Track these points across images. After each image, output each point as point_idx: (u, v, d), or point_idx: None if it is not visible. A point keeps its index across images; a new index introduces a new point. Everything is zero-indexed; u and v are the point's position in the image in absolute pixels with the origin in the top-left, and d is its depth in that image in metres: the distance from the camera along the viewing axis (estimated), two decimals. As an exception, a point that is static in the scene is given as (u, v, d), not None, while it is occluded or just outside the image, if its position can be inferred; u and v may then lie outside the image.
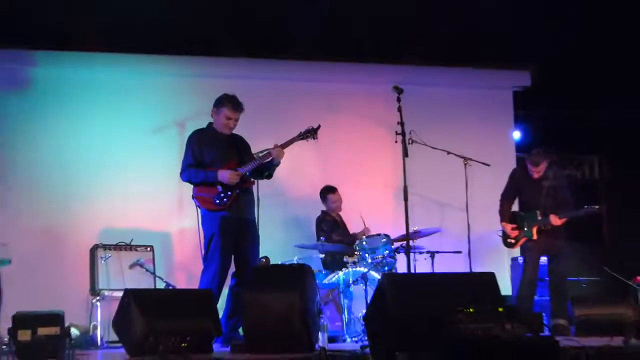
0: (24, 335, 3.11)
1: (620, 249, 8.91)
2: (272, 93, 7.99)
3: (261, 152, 5.93)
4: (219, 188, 5.66)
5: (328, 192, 7.49)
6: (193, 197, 5.82)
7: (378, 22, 7.29)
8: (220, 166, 5.71)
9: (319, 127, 6.03)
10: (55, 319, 3.25)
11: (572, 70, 8.11)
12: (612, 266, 7.46)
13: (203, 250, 5.72)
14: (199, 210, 5.80)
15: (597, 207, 6.93)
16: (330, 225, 7.31)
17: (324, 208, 7.55)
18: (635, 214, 8.96)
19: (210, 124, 5.98)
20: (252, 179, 5.87)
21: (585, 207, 6.63)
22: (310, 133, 6.02)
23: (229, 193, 5.69)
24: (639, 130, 8.42)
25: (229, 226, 5.68)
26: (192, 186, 5.83)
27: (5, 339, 3.21)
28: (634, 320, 4.25)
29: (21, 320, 3.16)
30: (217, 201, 5.67)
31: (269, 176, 6.00)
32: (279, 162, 5.85)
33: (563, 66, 8.10)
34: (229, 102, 5.85)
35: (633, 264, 7.54)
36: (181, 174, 5.85)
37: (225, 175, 5.62)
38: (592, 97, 8.53)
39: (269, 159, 5.80)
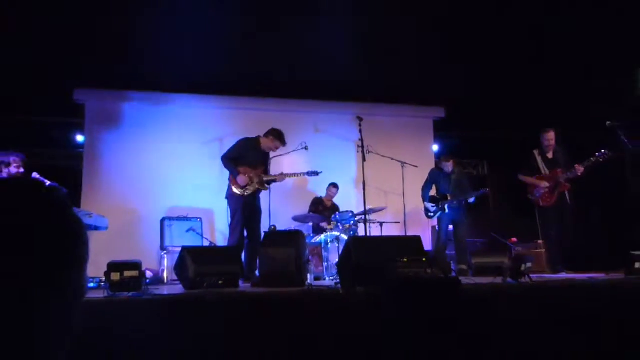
0: (115, 276, 3.05)
1: (500, 220, 8.95)
2: (276, 120, 7.85)
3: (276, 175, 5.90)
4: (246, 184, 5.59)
5: (332, 185, 7.42)
6: (229, 181, 5.70)
7: (349, 78, 7.29)
8: (251, 169, 5.63)
9: (321, 172, 6.07)
10: (136, 265, 3.19)
11: (470, 108, 8.14)
12: (496, 231, 7.48)
13: (229, 220, 5.64)
14: (228, 190, 5.67)
15: (488, 189, 6.93)
16: (315, 204, 7.26)
17: (317, 195, 7.51)
18: (509, 198, 9.01)
19: (258, 137, 5.84)
20: (266, 185, 5.81)
21: (481, 189, 6.64)
22: (313, 174, 6.09)
23: (250, 189, 5.62)
24: (510, 145, 8.46)
25: (247, 207, 5.61)
26: (227, 176, 5.73)
27: (103, 279, 3.15)
28: (509, 266, 4.24)
29: (113, 266, 3.10)
30: (242, 191, 5.60)
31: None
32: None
33: (465, 105, 8.14)
34: (283, 139, 5.80)
35: (508, 229, 7.58)
36: (223, 157, 5.70)
37: (241, 179, 5.55)
38: (484, 124, 8.56)
39: (277, 180, 5.83)
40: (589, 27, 6.01)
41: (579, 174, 5.76)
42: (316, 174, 6.04)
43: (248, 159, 5.70)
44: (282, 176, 5.86)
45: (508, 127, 8.48)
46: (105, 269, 3.11)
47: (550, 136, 6.07)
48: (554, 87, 7.33)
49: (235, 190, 5.61)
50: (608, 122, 5.44)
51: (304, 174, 6.08)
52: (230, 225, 5.62)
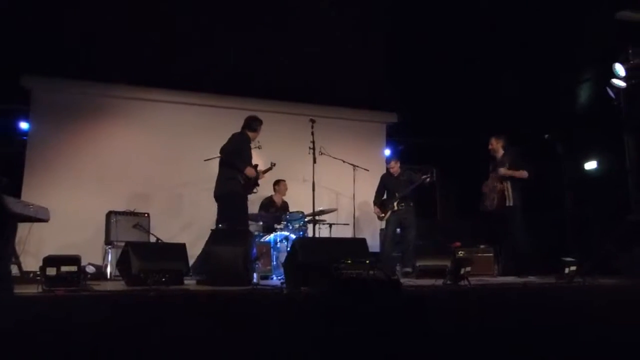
0: (51, 271, 2.94)
1: (446, 224, 9.14)
2: (230, 117, 7.75)
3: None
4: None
5: (279, 182, 7.37)
6: (230, 177, 5.61)
7: (304, 79, 7.31)
8: (250, 163, 5.72)
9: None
10: (74, 260, 3.08)
11: (421, 115, 8.31)
12: (441, 235, 7.60)
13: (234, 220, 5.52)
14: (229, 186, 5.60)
15: (428, 175, 6.74)
16: (265, 206, 7.19)
17: (270, 194, 7.44)
18: (455, 202, 9.25)
19: (246, 132, 5.87)
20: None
21: (422, 177, 6.67)
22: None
23: (256, 188, 5.87)
24: (457, 152, 8.68)
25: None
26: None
27: (38, 273, 3.03)
28: (450, 269, 4.36)
29: (49, 261, 2.99)
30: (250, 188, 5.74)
31: None
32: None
33: (416, 113, 8.30)
34: (260, 121, 5.95)
35: (452, 233, 7.74)
36: (227, 151, 5.60)
37: (250, 171, 5.63)
38: (433, 131, 8.74)
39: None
40: (538, 39, 6.25)
41: (502, 174, 6.04)
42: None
43: (244, 155, 5.68)
44: (272, 165, 6.24)
45: (458, 135, 8.70)
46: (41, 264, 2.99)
47: (490, 143, 6.36)
48: (504, 97, 7.58)
49: (241, 187, 5.55)
50: (546, 135, 5.68)
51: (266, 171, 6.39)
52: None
